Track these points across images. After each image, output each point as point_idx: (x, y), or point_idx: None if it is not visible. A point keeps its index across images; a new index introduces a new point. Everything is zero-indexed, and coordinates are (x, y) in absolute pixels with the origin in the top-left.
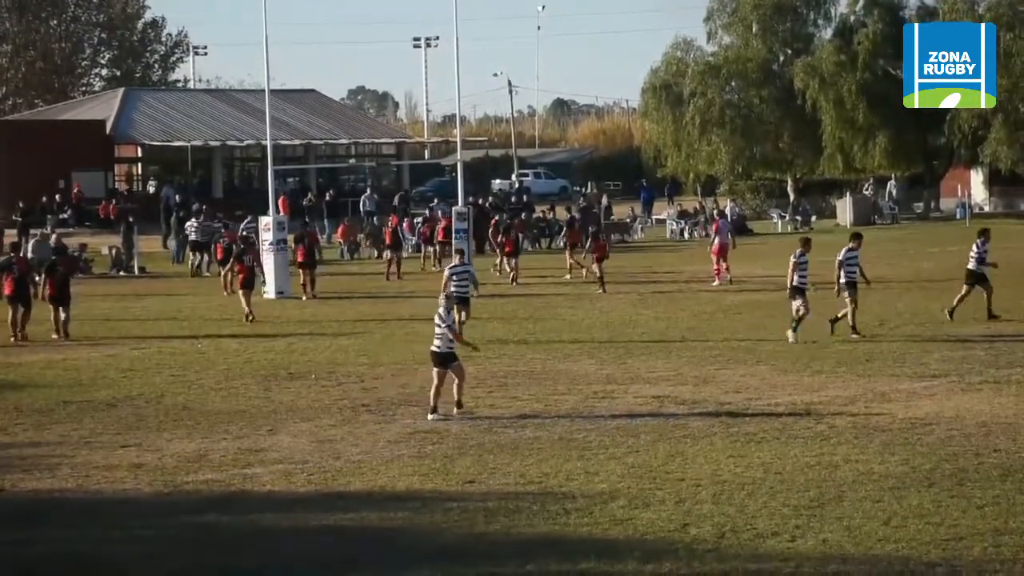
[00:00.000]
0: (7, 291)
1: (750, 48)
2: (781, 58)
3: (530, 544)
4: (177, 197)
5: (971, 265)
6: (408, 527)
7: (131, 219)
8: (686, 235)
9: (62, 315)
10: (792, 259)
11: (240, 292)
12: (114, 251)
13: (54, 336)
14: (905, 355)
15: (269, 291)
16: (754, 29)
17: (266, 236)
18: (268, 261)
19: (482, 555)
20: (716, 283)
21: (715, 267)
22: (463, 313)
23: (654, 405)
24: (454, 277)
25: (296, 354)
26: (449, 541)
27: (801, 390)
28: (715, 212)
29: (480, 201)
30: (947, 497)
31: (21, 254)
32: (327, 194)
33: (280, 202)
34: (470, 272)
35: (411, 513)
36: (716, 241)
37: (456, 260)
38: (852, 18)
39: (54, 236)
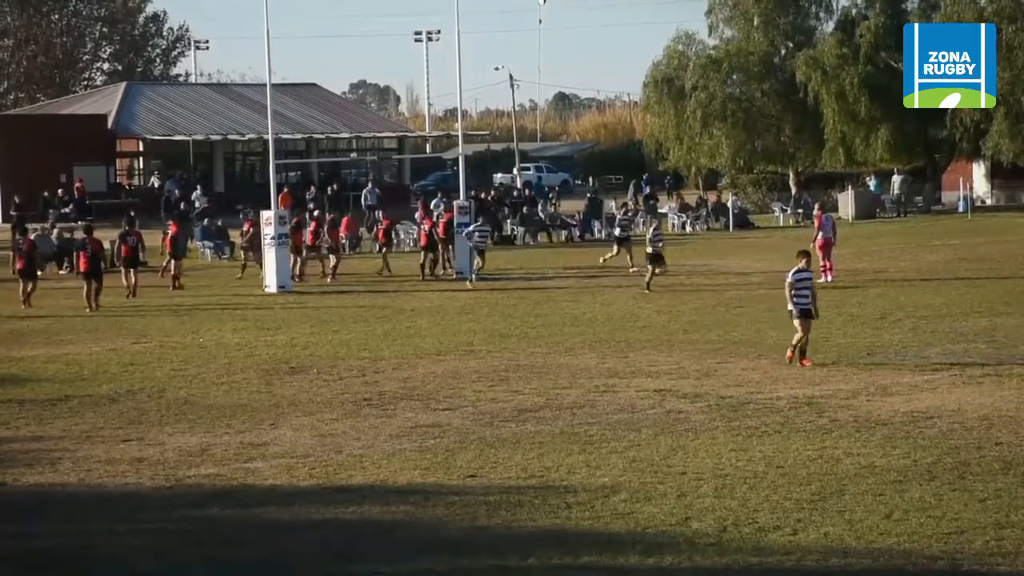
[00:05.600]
0: (82, 267)
1: (751, 41)
2: (783, 51)
3: (532, 538)
4: (177, 191)
5: None
6: (410, 521)
7: (132, 213)
8: (687, 228)
9: (94, 286)
10: None
11: (123, 270)
12: (114, 245)
13: (87, 310)
14: (907, 348)
15: (270, 285)
16: (755, 22)
17: (267, 231)
18: (269, 255)
19: (484, 548)
20: (821, 281)
21: (822, 263)
22: (806, 328)
23: (656, 399)
24: (797, 284)
25: (297, 348)
26: (451, 534)
27: (803, 384)
28: (817, 206)
29: (483, 195)
30: (949, 490)
31: (94, 235)
32: (328, 188)
33: (281, 197)
34: (811, 280)
35: (413, 507)
36: (819, 236)
37: (801, 264)
38: (854, 11)
39: (56, 230)
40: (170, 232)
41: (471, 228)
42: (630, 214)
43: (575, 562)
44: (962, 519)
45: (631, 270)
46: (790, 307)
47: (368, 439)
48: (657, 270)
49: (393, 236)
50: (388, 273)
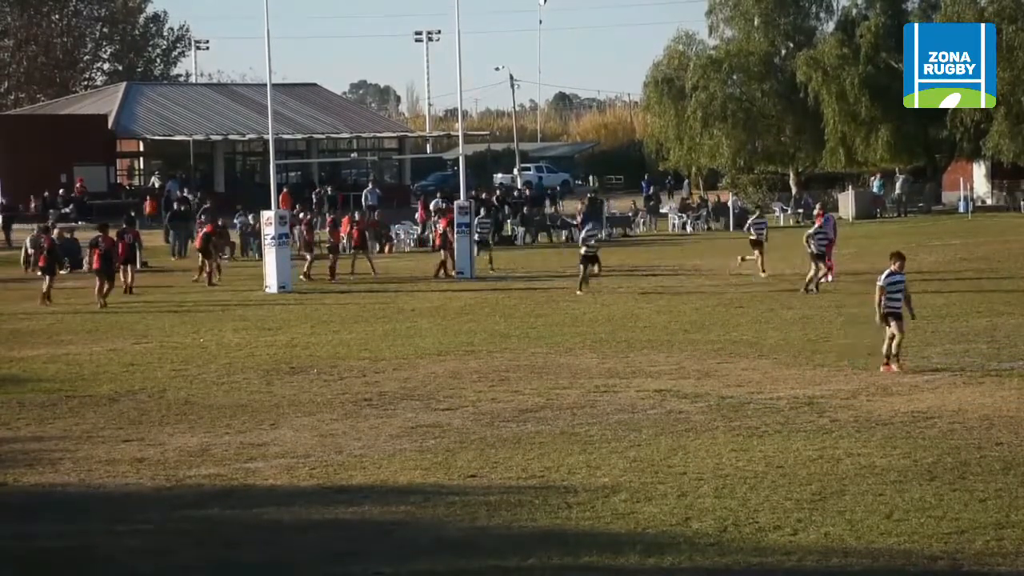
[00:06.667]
0: (95, 265)
1: (752, 41)
2: (783, 51)
3: (532, 538)
4: (178, 192)
5: None
6: (410, 521)
7: (132, 213)
8: (688, 228)
9: (106, 284)
10: None
11: (120, 267)
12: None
13: (98, 306)
14: (907, 348)
15: (271, 285)
16: (756, 22)
17: (267, 231)
18: (269, 255)
19: (484, 549)
20: (823, 281)
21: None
22: (897, 336)
23: (656, 399)
24: (890, 288)
25: (298, 348)
26: (451, 535)
27: (803, 384)
28: (818, 206)
29: (484, 195)
30: (949, 490)
31: (108, 234)
32: (328, 188)
33: (281, 197)
34: (904, 284)
35: (413, 507)
36: None
37: (894, 266)
38: (854, 11)
39: (56, 230)
40: (205, 231)
41: (583, 233)
42: (763, 218)
43: (575, 562)
44: (962, 519)
45: (762, 275)
46: (880, 313)
47: (368, 439)
48: (821, 272)
49: (392, 236)
50: (353, 275)
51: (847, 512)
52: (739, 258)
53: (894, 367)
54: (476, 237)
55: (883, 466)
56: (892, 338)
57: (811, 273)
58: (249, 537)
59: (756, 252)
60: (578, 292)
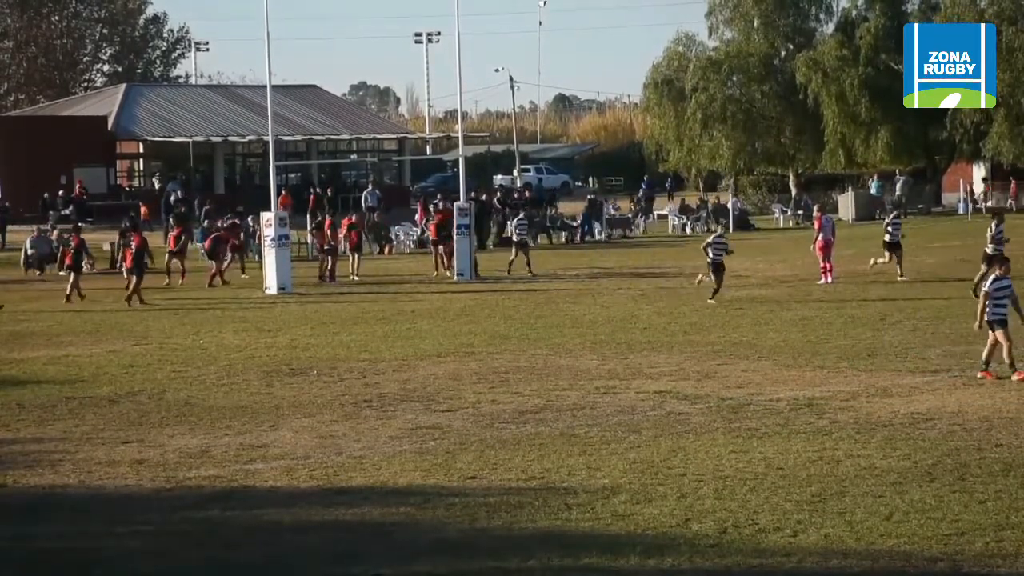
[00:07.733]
0: (127, 263)
1: (752, 43)
2: (783, 53)
3: (532, 539)
4: (179, 193)
5: None
6: (410, 522)
7: (132, 214)
8: (688, 230)
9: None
10: None
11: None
12: (112, 246)
13: (136, 303)
14: (907, 350)
15: (270, 287)
16: (755, 24)
17: (267, 232)
18: (269, 257)
19: (484, 550)
20: (822, 282)
21: (821, 265)
22: (1005, 343)
23: (656, 400)
24: (995, 293)
25: (298, 350)
26: (451, 536)
27: (803, 385)
28: (816, 207)
29: (484, 197)
30: (949, 492)
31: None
32: (327, 189)
33: (281, 198)
34: (1011, 289)
35: (413, 508)
36: (819, 238)
37: (1000, 270)
38: (854, 12)
39: (55, 232)
40: (216, 235)
41: (710, 240)
42: (900, 217)
43: (575, 564)
44: (962, 521)
45: (900, 278)
46: (985, 318)
47: (368, 441)
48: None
49: (391, 237)
50: (354, 276)
51: (847, 513)
52: (872, 261)
53: (990, 374)
54: (515, 238)
55: (883, 468)
56: (995, 344)
57: (978, 276)
58: (249, 538)
59: (890, 255)
60: (710, 301)
